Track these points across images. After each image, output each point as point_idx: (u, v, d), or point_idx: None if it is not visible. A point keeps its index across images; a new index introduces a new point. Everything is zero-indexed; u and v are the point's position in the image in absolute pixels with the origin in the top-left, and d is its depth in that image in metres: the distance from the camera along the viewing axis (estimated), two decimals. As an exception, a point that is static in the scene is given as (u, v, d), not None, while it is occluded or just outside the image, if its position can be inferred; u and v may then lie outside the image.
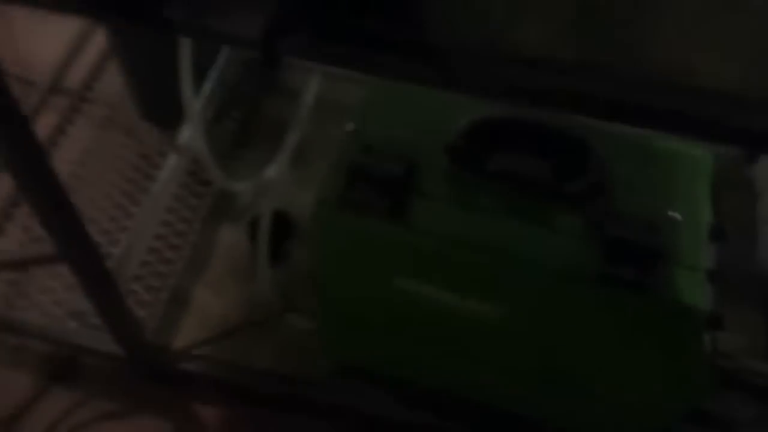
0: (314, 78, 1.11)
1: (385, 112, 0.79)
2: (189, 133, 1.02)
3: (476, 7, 0.51)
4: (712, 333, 0.77)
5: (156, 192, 1.07)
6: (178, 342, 1.13)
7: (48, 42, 1.37)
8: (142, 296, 1.15)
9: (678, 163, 0.75)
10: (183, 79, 0.97)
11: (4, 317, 1.12)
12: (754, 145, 0.50)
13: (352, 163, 0.73)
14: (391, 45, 0.48)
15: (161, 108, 1.17)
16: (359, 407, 1.06)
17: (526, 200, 0.74)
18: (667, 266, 0.69)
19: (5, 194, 1.21)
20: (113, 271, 0.91)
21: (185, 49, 0.95)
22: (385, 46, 0.48)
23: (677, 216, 0.72)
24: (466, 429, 1.03)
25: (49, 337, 1.12)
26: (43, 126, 1.29)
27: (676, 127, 0.50)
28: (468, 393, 0.99)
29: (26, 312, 1.12)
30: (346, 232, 0.76)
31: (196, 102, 0.99)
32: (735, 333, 1.08)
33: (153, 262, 1.18)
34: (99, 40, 1.37)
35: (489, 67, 0.49)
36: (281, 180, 1.06)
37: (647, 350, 0.75)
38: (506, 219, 0.73)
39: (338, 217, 0.74)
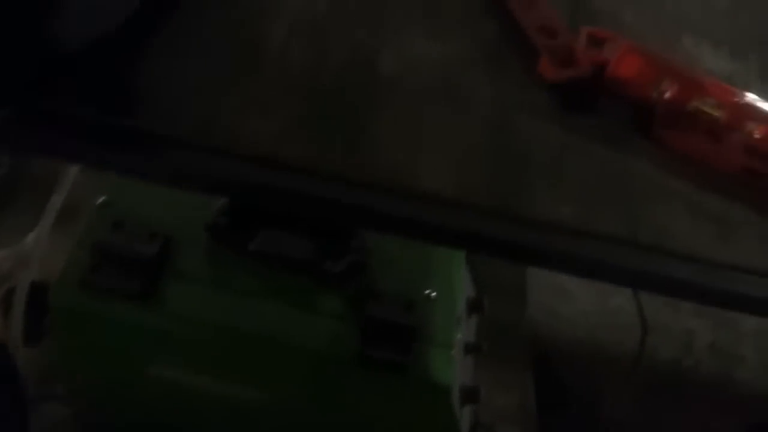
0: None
1: (141, 184, 0.74)
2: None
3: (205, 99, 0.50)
4: (470, 405, 0.80)
5: None
6: None
7: None
8: None
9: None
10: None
11: None
12: (470, 246, 0.53)
13: (99, 241, 0.68)
14: (96, 131, 0.45)
15: None
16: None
17: (288, 280, 0.72)
18: (421, 345, 0.71)
19: None
20: None
21: None
22: (87, 133, 0.45)
23: (433, 293, 0.74)
24: None
25: None
26: None
27: (399, 230, 0.51)
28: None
29: None
30: (90, 318, 0.69)
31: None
32: (505, 394, 1.14)
33: None
34: None
35: (213, 163, 0.47)
36: (43, 247, 0.96)
37: (406, 428, 0.76)
38: (267, 300, 0.71)
39: (81, 301, 0.68)
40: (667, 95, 0.56)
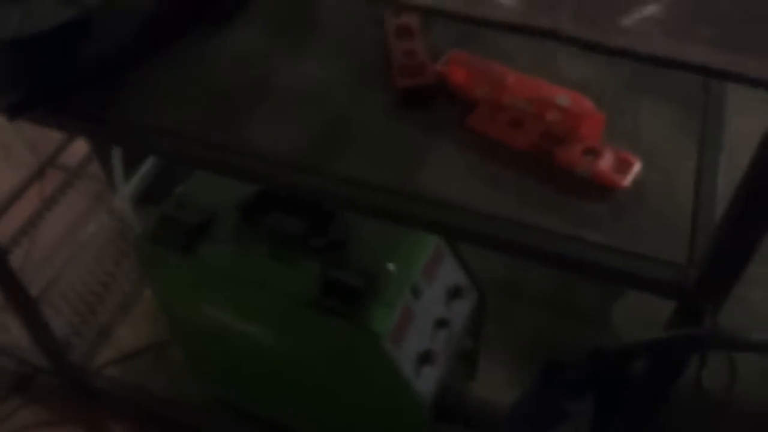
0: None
1: (208, 180, 1.07)
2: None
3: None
4: (428, 366, 0.97)
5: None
6: (97, 363, 1.42)
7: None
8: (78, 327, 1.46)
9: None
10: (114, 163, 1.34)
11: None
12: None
13: (166, 212, 1.02)
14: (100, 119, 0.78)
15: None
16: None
17: (285, 248, 0.99)
18: (366, 302, 0.92)
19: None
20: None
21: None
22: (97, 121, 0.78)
23: (391, 267, 0.95)
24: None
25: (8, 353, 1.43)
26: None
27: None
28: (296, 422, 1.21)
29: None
30: (158, 263, 1.04)
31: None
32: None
33: (92, 302, 1.50)
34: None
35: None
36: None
37: (356, 367, 0.96)
38: (269, 260, 0.99)
39: (151, 250, 1.02)
40: (486, 94, 0.73)
